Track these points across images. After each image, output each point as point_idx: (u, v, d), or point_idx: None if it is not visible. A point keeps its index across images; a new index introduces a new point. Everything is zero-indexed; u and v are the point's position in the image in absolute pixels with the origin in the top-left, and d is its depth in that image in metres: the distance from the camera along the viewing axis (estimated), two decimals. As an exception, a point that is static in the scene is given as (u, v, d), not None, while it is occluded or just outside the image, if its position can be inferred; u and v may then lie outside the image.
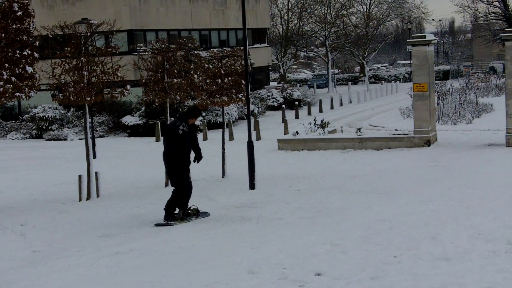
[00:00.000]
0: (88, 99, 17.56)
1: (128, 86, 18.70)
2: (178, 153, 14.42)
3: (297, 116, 40.16)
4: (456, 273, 9.13)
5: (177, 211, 14.84)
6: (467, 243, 10.61)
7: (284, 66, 66.32)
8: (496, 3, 67.70)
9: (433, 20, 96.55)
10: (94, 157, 24.95)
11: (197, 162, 15.13)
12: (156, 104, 21.52)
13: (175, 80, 19.52)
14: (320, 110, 43.25)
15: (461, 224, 11.96)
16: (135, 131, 35.92)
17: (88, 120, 18.77)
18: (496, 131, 26.83)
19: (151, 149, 29.32)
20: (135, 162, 25.79)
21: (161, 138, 31.44)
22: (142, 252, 12.17)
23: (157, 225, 14.52)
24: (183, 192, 14.64)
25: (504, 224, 11.70)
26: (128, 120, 36.40)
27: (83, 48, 17.64)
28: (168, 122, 20.27)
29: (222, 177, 20.58)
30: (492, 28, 69.86)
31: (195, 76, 20.08)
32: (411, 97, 29.05)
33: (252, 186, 18.57)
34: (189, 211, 14.87)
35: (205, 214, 15.15)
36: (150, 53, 20.04)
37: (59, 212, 16.55)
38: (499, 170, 18.90)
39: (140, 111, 36.43)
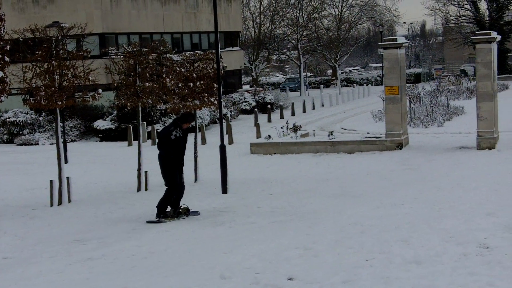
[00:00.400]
0: (60, 103, 17.44)
1: (100, 90, 18.61)
2: (171, 155, 15.09)
3: (269, 120, 40.21)
4: (427, 276, 9.19)
5: (168, 209, 15.27)
6: (439, 246, 10.68)
7: (257, 69, 66.37)
8: (467, 6, 68.51)
9: (404, 23, 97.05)
10: (66, 162, 24.77)
11: None
12: (128, 108, 21.41)
13: (147, 84, 19.43)
14: (293, 114, 43.33)
15: (433, 227, 12.04)
16: (107, 136, 35.72)
17: (60, 124, 18.63)
18: (467, 134, 27.04)
19: (124, 154, 29.20)
20: (107, 166, 25.65)
21: (134, 143, 31.44)
22: (114, 258, 12.09)
23: (148, 222, 15.05)
24: (176, 192, 15.25)
25: (475, 227, 11.80)
26: (100, 124, 36.19)
27: (54, 51, 17.51)
28: (141, 126, 20.25)
29: (195, 182, 20.53)
30: (463, 31, 70.61)
31: (167, 79, 19.99)
32: (383, 100, 29.20)
33: (224, 190, 18.53)
34: (180, 210, 15.42)
35: (195, 213, 15.61)
36: (121, 56, 19.93)
37: (30, 217, 16.41)
38: (470, 172, 19.04)
39: (112, 115, 36.24)
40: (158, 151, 15.33)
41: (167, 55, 21.19)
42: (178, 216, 15.26)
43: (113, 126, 35.55)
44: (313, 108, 47.75)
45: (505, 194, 15.18)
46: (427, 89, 42.30)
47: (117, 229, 14.68)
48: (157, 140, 15.29)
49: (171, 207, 15.26)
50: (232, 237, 13.13)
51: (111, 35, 41.92)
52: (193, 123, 15.74)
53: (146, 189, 19.67)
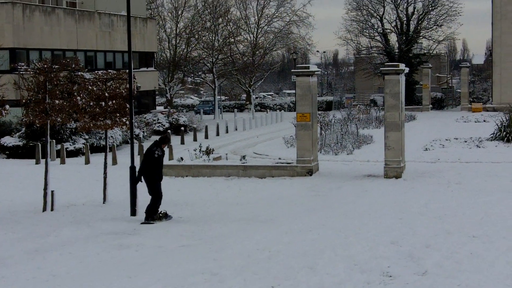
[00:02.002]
0: (-36, 118, 16.90)
1: (7, 106, 18.14)
2: (155, 170, 17.53)
3: (182, 142, 40.02)
4: (331, 303, 9.27)
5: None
6: (343, 273, 10.81)
7: (171, 91, 66.11)
8: (378, 38, 70.27)
9: (317, 51, 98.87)
10: (-31, 178, 23.95)
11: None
12: (37, 125, 20.93)
13: (57, 102, 19.05)
14: (206, 137, 43.30)
15: (338, 254, 12.19)
16: (14, 153, 34.76)
17: (-37, 140, 18.03)
18: (375, 162, 27.58)
19: (31, 172, 28.44)
20: (13, 185, 24.92)
21: (42, 161, 30.74)
22: (14, 280, 11.73)
23: (142, 223, 16.97)
24: (160, 200, 17.44)
25: (379, 254, 12.01)
26: (7, 141, 35.20)
27: (-40, 65, 17.00)
28: (49, 144, 19.81)
29: (103, 203, 20.18)
30: (373, 62, 72.32)
31: (78, 98, 19.66)
32: (295, 126, 29.51)
33: (133, 212, 18.29)
34: (160, 214, 17.33)
35: (170, 217, 17.46)
36: (31, 72, 19.49)
37: None
38: (377, 200, 19.42)
39: (20, 132, 35.33)
40: (140, 167, 17.75)
41: (79, 73, 20.85)
42: (160, 219, 17.17)
43: (21, 143, 34.64)
44: (227, 131, 47.85)
45: (409, 223, 15.53)
46: (338, 117, 43.03)
47: (19, 250, 14.25)
48: (141, 158, 17.95)
49: (152, 213, 17.19)
50: (138, 260, 12.95)
51: (22, 50, 41.00)
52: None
53: (52, 209, 19.19)
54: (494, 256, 12.56)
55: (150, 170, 17.53)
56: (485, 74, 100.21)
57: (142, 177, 17.61)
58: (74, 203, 20.25)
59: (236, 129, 50.14)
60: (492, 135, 33.47)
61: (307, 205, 19.16)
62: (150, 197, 17.57)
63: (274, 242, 13.86)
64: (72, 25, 44.64)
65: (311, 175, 24.82)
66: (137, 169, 18.26)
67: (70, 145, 34.04)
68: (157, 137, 44.72)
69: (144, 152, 18.10)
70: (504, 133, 32.37)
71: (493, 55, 61.93)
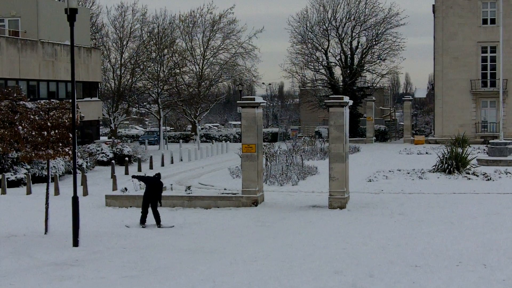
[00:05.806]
0: None
1: None
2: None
3: (126, 172, 39.66)
4: (275, 333, 9.24)
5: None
6: (288, 303, 10.80)
7: (115, 121, 65.62)
8: (323, 71, 71.10)
9: (263, 83, 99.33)
10: None
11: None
12: (-23, 155, 20.58)
13: (-2, 131, 18.73)
14: (151, 167, 42.99)
15: (283, 284, 12.18)
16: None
17: None
18: (320, 193, 27.75)
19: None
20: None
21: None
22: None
23: (162, 228, 21.00)
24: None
25: (323, 284, 12.05)
26: None
27: None
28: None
29: (45, 233, 19.81)
30: (318, 94, 73.07)
31: (20, 127, 19.37)
32: (240, 157, 29.54)
33: (75, 243, 18.00)
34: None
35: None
36: (-29, 101, 19.14)
37: None
38: (321, 231, 19.52)
39: (-41, 162, 34.56)
40: (158, 193, 21.90)
41: (21, 102, 20.57)
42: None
43: (-41, 173, 33.86)
44: (172, 162, 47.61)
45: (353, 253, 15.63)
46: (283, 149, 43.21)
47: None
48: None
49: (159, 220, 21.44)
50: (80, 292, 12.73)
51: (-38, 78, 40.31)
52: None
53: (-9, 240, 18.78)
54: (436, 286, 12.74)
55: (156, 197, 21.82)
56: (427, 108, 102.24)
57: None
58: (15, 234, 19.86)
59: (182, 160, 49.95)
60: (434, 167, 34.01)
61: (252, 236, 19.13)
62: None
63: (218, 273, 13.79)
64: (14, 54, 44.09)
65: (256, 205, 24.84)
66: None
67: (11, 175, 33.43)
68: (101, 168, 44.28)
69: (153, 183, 21.79)
70: (446, 165, 32.93)
71: (435, 89, 63.20)
